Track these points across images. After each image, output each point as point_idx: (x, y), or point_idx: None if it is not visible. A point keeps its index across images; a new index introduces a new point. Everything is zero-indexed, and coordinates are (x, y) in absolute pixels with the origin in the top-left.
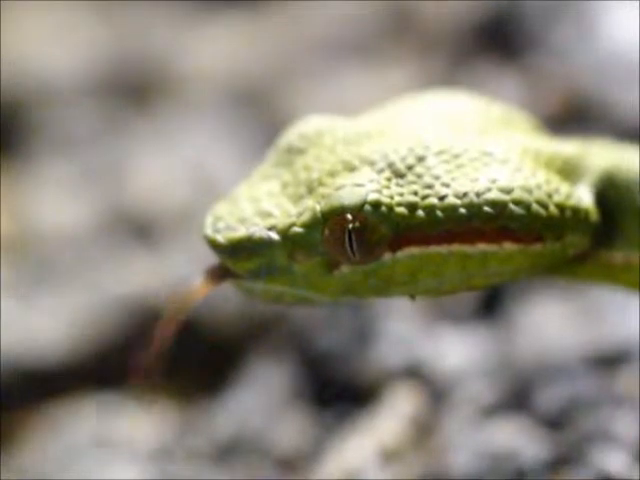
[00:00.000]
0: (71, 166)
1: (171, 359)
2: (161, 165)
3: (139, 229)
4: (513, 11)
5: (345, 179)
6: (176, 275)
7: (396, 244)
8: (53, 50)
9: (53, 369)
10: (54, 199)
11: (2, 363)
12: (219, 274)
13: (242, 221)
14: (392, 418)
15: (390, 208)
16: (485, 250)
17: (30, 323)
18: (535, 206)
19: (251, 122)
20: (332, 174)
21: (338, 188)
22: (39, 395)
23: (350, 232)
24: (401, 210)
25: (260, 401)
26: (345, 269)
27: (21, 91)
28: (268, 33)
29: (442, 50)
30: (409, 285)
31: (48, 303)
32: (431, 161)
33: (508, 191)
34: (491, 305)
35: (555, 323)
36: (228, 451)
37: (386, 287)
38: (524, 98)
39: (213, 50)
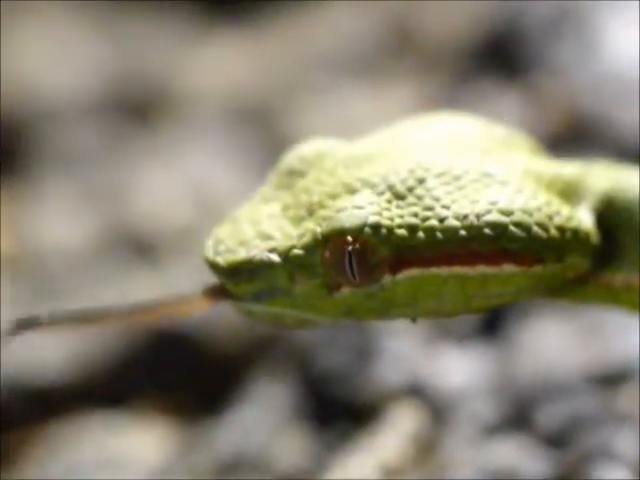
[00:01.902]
0: (73, 184)
1: (175, 377)
2: (162, 183)
3: (140, 247)
4: (514, 30)
5: (345, 201)
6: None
7: (396, 266)
8: (55, 68)
9: (55, 388)
10: (56, 217)
11: (4, 382)
12: (217, 293)
13: (243, 243)
14: (393, 436)
15: (390, 230)
16: (485, 272)
17: (32, 341)
18: (536, 228)
19: (252, 140)
20: (332, 196)
21: (338, 210)
22: (41, 414)
23: (350, 254)
24: (401, 232)
25: (261, 419)
26: (345, 291)
27: (23, 109)
28: (270, 51)
29: (443, 68)
30: (409, 307)
31: None
32: (431, 183)
33: (508, 213)
34: (492, 324)
35: (556, 342)
36: (229, 469)
37: (386, 309)
38: (525, 117)
39: (215, 68)
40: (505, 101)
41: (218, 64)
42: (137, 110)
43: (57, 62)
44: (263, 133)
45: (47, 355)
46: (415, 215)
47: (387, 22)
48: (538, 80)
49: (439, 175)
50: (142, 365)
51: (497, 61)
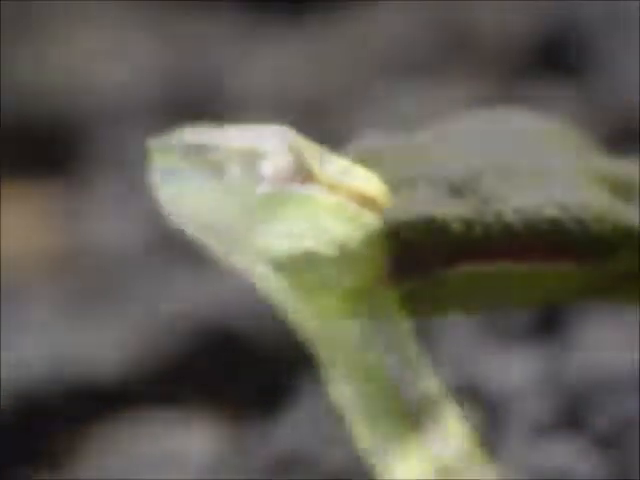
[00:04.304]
0: (125, 184)
1: (228, 376)
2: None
3: (192, 247)
4: (569, 30)
5: (401, 196)
6: (228, 293)
7: (452, 261)
8: (108, 68)
9: (109, 386)
10: (108, 217)
11: (59, 381)
12: None
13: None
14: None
15: (446, 225)
16: (540, 267)
17: (86, 341)
18: (591, 224)
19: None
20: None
21: (394, 204)
22: (96, 413)
23: (407, 249)
24: (457, 227)
25: (315, 419)
26: (400, 286)
27: (76, 109)
28: (324, 51)
29: (500, 67)
30: (464, 302)
31: (103, 321)
32: (487, 177)
33: (565, 208)
34: (547, 323)
35: (611, 343)
36: (283, 468)
37: (441, 304)
38: (581, 116)
39: (269, 68)
40: (561, 100)
41: (273, 64)
42: (191, 110)
43: (112, 62)
44: (318, 133)
45: (101, 354)
46: (471, 210)
47: (442, 22)
48: (595, 79)
49: (495, 170)
50: (197, 364)
51: (554, 60)
